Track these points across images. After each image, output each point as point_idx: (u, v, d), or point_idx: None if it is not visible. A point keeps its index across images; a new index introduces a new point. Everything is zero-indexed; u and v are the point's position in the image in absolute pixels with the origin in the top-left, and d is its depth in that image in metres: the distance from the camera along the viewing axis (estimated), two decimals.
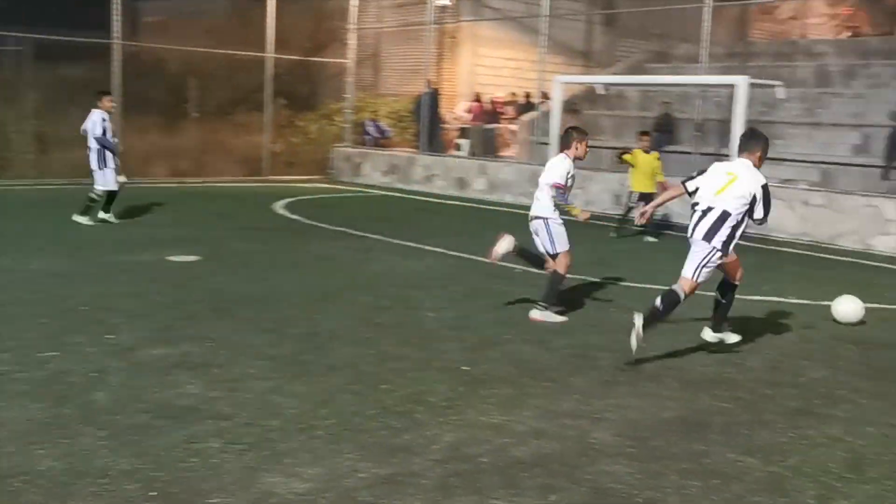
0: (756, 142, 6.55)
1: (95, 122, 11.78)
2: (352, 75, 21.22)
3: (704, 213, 6.39)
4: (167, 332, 6.58)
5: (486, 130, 21.31)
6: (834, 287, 9.58)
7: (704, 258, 6.38)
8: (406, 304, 7.94)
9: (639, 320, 6.13)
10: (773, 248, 12.51)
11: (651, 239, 12.61)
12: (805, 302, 8.75)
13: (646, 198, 12.17)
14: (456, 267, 9.91)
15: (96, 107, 11.91)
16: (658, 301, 6.39)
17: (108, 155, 11.87)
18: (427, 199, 17.62)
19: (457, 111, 22.88)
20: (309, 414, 5.03)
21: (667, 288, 6.53)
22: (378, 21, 23.50)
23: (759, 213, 6.36)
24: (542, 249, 7.87)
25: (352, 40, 21.17)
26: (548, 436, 4.85)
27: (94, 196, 11.93)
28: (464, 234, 12.64)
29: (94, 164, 11.89)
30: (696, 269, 6.40)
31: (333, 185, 19.69)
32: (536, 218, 7.94)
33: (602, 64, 22.74)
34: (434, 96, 20.05)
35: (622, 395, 5.61)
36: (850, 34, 27.80)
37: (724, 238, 6.32)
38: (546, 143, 16.24)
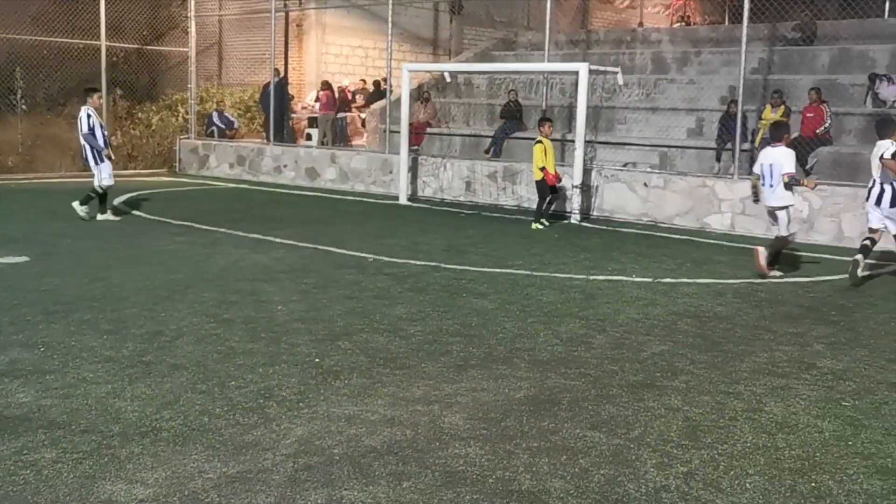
0: (891, 126, 9.31)
1: (81, 118, 12.02)
2: (194, 64, 20.49)
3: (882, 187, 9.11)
4: None
5: (336, 119, 21.10)
6: (673, 265, 10.07)
7: None
8: (255, 297, 7.74)
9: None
10: (616, 228, 12.99)
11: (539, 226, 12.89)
12: (647, 280, 9.11)
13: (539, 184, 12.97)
14: (307, 258, 9.75)
15: (85, 104, 12.16)
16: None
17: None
18: (276, 190, 17.27)
19: (306, 100, 22.55)
20: (152, 416, 4.81)
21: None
22: (220, 8, 22.82)
23: None
24: (779, 232, 9.61)
25: (192, 28, 20.43)
26: (400, 423, 4.83)
27: (96, 190, 12.11)
28: (314, 225, 12.46)
29: (90, 160, 12.17)
30: None
31: (178, 179, 18.99)
32: (780, 208, 9.46)
33: (451, 52, 22.95)
34: (281, 86, 19.66)
35: (474, 379, 5.67)
36: (682, 23, 29.24)
37: None
38: (397, 132, 16.26)
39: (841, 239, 12.02)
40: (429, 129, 19.22)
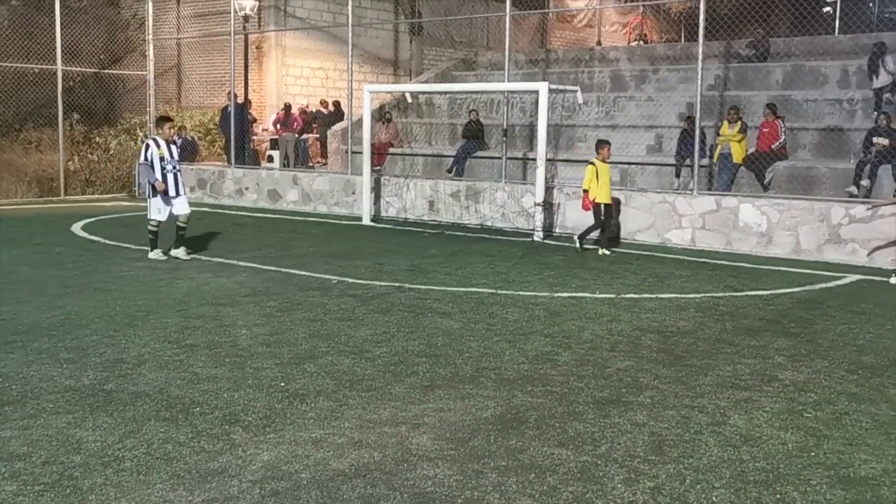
0: None
1: (143, 148, 11.17)
2: (152, 88, 20.33)
3: None
4: None
5: (298, 141, 21.05)
6: (636, 280, 10.17)
7: None
8: (218, 322, 7.66)
9: None
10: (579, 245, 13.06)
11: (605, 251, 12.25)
12: (610, 296, 9.18)
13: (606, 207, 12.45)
14: (270, 281, 9.68)
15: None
16: None
17: (167, 183, 11.02)
18: (238, 212, 17.16)
19: (267, 122, 22.47)
20: (114, 446, 4.73)
21: None
22: (179, 31, 22.70)
23: None
24: None
25: (150, 51, 20.29)
26: (368, 445, 4.80)
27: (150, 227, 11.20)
28: (277, 247, 12.39)
29: (146, 192, 11.35)
30: None
31: (138, 203, 18.76)
32: None
33: (411, 72, 23.04)
34: (242, 108, 19.57)
35: (441, 399, 5.66)
36: (639, 41, 29.68)
37: None
38: (359, 153, 16.25)
39: (799, 252, 12.22)
40: (391, 150, 19.26)
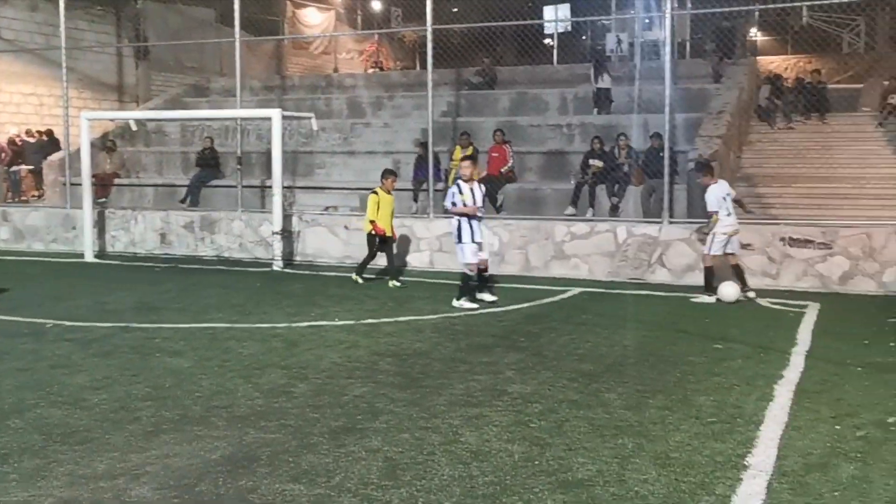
0: None
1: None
2: None
3: None
4: None
5: (8, 173, 19.22)
6: (375, 305, 10.20)
7: None
8: None
9: None
10: (319, 273, 12.98)
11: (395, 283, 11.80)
12: (350, 322, 9.13)
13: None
14: None
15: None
16: None
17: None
18: None
19: None
20: None
21: None
22: None
23: None
24: None
25: None
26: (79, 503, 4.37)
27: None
28: None
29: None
30: None
31: None
32: None
33: (139, 98, 21.90)
34: None
35: (166, 444, 5.29)
36: (375, 69, 30.29)
37: None
38: (79, 184, 15.13)
39: (529, 269, 12.90)
40: (117, 181, 18.12)
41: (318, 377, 6.91)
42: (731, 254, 10.67)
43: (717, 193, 10.59)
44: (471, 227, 10.24)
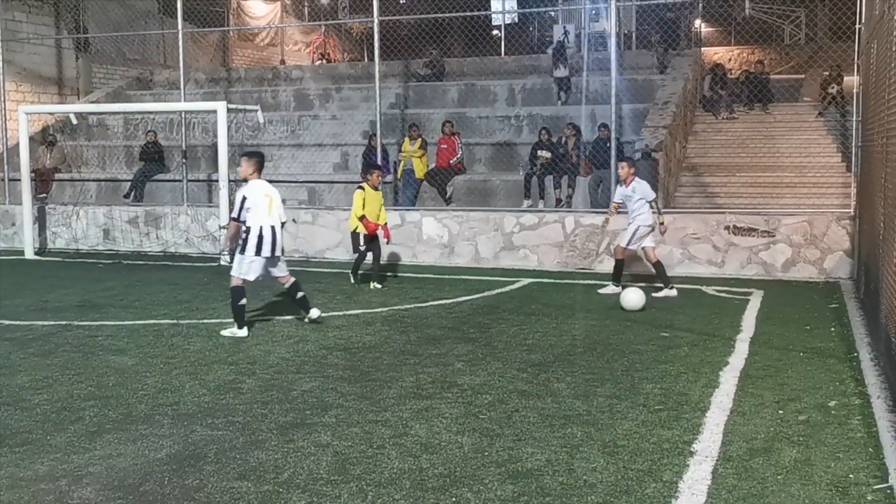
0: None
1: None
2: None
3: None
4: None
5: None
6: (325, 298, 10.12)
7: None
8: None
9: None
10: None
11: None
12: (298, 316, 9.04)
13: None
14: None
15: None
16: None
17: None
18: None
19: None
20: None
21: None
22: None
23: None
24: None
25: None
26: None
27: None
28: None
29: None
30: None
31: None
32: None
33: (80, 91, 21.40)
34: None
35: (109, 444, 5.18)
36: (323, 60, 30.06)
37: None
38: (18, 180, 14.75)
39: (478, 260, 12.92)
40: (57, 176, 17.71)
41: (266, 373, 6.83)
42: (651, 247, 10.45)
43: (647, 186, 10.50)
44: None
